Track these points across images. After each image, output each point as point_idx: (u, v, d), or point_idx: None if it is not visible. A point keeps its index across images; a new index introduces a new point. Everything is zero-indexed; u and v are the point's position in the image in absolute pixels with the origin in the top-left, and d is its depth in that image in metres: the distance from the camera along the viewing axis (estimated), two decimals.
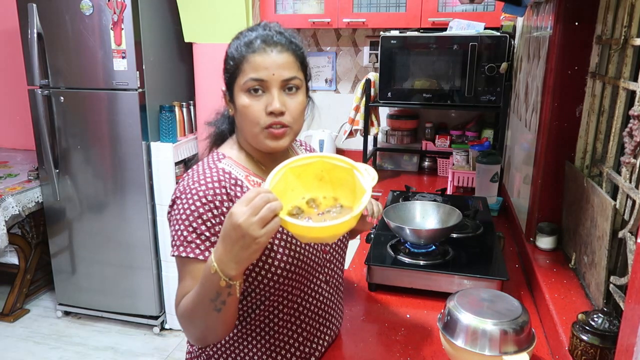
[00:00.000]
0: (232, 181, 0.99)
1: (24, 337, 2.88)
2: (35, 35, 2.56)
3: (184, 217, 0.94)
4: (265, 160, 1.07)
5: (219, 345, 1.09)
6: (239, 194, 0.98)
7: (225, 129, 1.11)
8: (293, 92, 0.99)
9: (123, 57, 2.52)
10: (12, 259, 3.03)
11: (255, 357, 1.07)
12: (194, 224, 0.93)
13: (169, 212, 1.00)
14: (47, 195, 2.86)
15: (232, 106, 1.03)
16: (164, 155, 2.62)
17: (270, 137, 0.99)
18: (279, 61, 0.96)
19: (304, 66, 1.02)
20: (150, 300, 2.83)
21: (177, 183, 1.03)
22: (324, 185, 0.93)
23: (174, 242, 0.95)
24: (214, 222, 0.94)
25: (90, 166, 2.73)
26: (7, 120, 3.63)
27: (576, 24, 1.33)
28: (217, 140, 1.11)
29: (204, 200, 0.94)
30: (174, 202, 0.98)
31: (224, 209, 0.95)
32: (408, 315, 1.33)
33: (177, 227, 0.95)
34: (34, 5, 2.54)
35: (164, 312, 2.90)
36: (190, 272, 0.94)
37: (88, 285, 2.93)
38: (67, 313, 3.07)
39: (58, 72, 2.65)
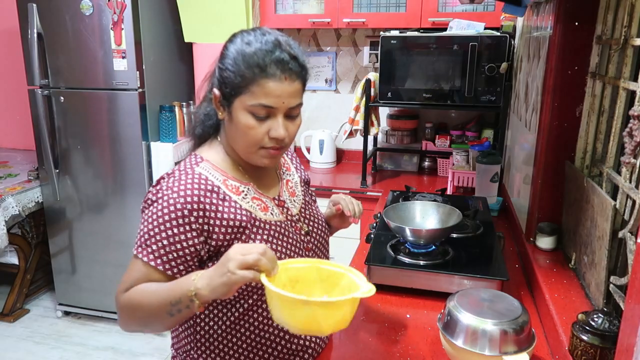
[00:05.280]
0: (209, 187, 0.99)
1: (24, 337, 2.88)
2: (35, 35, 2.55)
3: (150, 220, 0.96)
4: (246, 165, 1.07)
5: (203, 349, 1.08)
6: (214, 201, 0.99)
7: (209, 130, 1.09)
8: (294, 116, 1.01)
9: (123, 57, 2.53)
10: (12, 259, 3.03)
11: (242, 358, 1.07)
12: (156, 230, 0.95)
13: (142, 210, 1.01)
14: (47, 195, 2.86)
15: (223, 112, 1.01)
16: (164, 155, 2.63)
17: (267, 156, 1.01)
18: (290, 90, 0.96)
19: (304, 88, 1.02)
20: None
21: (157, 182, 1.03)
22: (329, 287, 0.92)
23: (137, 240, 0.97)
24: (175, 231, 0.95)
25: (90, 166, 2.73)
26: (7, 120, 3.63)
27: (576, 24, 1.33)
28: (201, 141, 1.10)
29: (172, 209, 0.95)
30: (146, 202, 1.00)
31: (192, 219, 0.96)
32: (408, 315, 1.33)
33: (143, 228, 0.97)
34: (34, 5, 2.54)
35: None
36: (140, 272, 0.96)
37: (88, 285, 2.93)
38: (67, 313, 3.07)
39: (58, 72, 2.65)
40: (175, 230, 0.95)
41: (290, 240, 1.08)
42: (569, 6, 1.34)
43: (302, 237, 1.13)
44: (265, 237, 1.03)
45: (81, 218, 2.84)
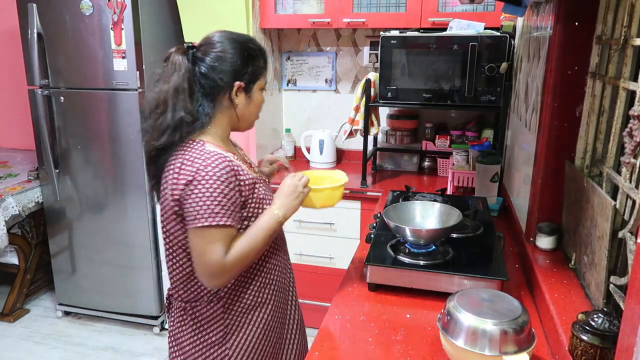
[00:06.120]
0: (227, 157, 1.20)
1: (24, 337, 2.88)
2: (35, 35, 2.56)
3: (207, 194, 1.14)
4: (228, 140, 1.35)
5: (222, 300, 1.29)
6: (235, 167, 1.20)
7: (205, 122, 1.25)
8: None
9: (123, 57, 2.53)
10: (12, 259, 3.03)
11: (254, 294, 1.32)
12: (219, 198, 1.15)
13: (183, 192, 1.15)
14: (47, 195, 2.86)
15: (237, 98, 1.25)
16: None
17: None
18: None
19: None
20: (150, 300, 2.84)
21: (178, 168, 1.17)
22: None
23: (199, 215, 1.14)
24: (231, 194, 1.17)
25: (90, 166, 2.73)
26: (7, 120, 3.64)
27: (576, 24, 1.33)
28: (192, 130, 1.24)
29: (222, 179, 1.16)
30: (189, 183, 1.15)
31: (235, 182, 1.19)
32: (408, 315, 1.33)
33: (200, 203, 1.14)
34: (34, 5, 2.54)
35: (164, 312, 2.90)
36: (222, 234, 1.17)
37: (88, 285, 2.93)
38: (67, 313, 3.07)
39: (58, 72, 2.65)
40: (231, 194, 1.17)
41: (269, 189, 1.37)
42: (569, 6, 1.34)
43: (269, 187, 1.41)
44: (263, 189, 1.30)
45: (81, 218, 2.84)
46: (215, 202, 1.15)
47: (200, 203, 1.14)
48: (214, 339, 1.29)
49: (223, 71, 1.22)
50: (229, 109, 1.27)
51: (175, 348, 1.35)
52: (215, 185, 1.15)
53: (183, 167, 1.17)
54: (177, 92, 1.19)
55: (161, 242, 2.79)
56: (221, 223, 1.15)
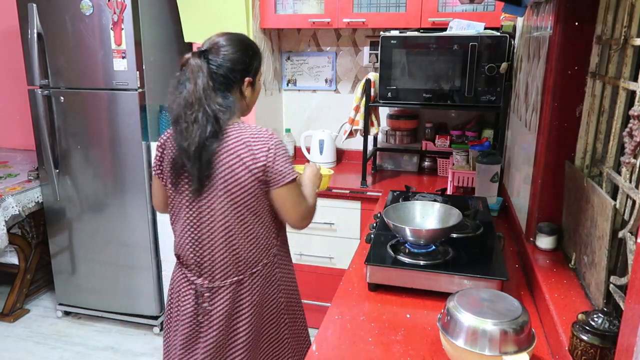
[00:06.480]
0: None
1: (24, 337, 2.88)
2: (35, 35, 2.56)
3: (285, 155, 1.39)
4: None
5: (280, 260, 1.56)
6: None
7: (234, 110, 1.42)
8: None
9: (123, 57, 2.53)
10: (12, 259, 3.03)
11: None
12: (288, 155, 1.41)
13: (267, 158, 1.35)
14: (47, 195, 2.86)
15: (246, 90, 1.46)
16: None
17: None
18: None
19: None
20: (149, 300, 2.83)
21: (248, 142, 1.35)
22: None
23: (287, 172, 1.37)
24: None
25: (90, 166, 2.73)
26: (7, 120, 3.63)
27: (576, 24, 1.33)
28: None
29: (282, 142, 1.40)
30: (269, 149, 1.36)
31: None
32: (408, 315, 1.33)
33: (283, 161, 1.38)
34: (34, 5, 2.54)
35: (164, 312, 2.89)
36: (299, 184, 1.45)
37: (88, 285, 2.93)
38: (67, 313, 3.07)
39: (58, 72, 2.65)
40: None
41: None
42: (569, 6, 1.34)
43: None
44: None
45: (81, 218, 2.84)
46: (289, 160, 1.40)
47: (284, 162, 1.38)
48: (275, 291, 1.52)
49: (235, 70, 1.40)
50: (239, 101, 1.46)
51: (230, 327, 1.47)
52: (284, 147, 1.40)
53: (252, 140, 1.36)
54: (206, 90, 1.34)
55: (162, 241, 2.77)
56: (295, 177, 1.41)
